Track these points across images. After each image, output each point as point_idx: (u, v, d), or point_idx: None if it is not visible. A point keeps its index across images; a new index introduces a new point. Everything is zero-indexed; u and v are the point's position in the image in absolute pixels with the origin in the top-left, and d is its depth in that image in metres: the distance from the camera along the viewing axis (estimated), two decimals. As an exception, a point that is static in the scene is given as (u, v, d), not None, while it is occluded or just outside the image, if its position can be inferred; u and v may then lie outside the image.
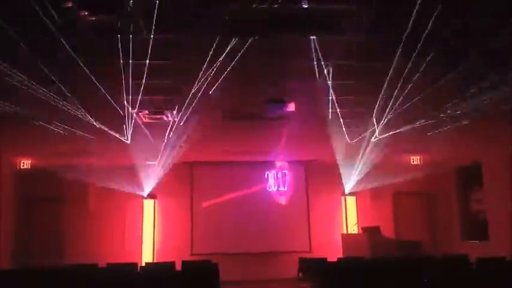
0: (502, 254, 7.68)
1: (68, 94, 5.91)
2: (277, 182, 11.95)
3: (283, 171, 11.99)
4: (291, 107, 6.46)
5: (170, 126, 7.54)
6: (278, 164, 11.93)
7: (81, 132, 7.73)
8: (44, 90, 5.65)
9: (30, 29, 4.16)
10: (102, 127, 7.51)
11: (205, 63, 5.13)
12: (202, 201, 11.71)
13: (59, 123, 7.13)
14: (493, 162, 9.71)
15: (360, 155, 9.75)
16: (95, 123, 7.24)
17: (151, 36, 4.43)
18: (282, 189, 11.91)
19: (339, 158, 10.08)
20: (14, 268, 9.54)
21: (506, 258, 7.21)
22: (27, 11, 3.82)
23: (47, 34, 4.18)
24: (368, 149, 9.29)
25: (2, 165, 9.96)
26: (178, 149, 9.42)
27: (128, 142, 8.29)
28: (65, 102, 6.17)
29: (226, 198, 11.72)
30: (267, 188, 11.85)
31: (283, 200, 11.88)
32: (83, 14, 3.69)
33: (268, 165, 11.88)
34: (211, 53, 4.85)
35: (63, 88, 5.71)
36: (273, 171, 11.95)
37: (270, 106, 6.49)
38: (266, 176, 11.91)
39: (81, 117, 6.83)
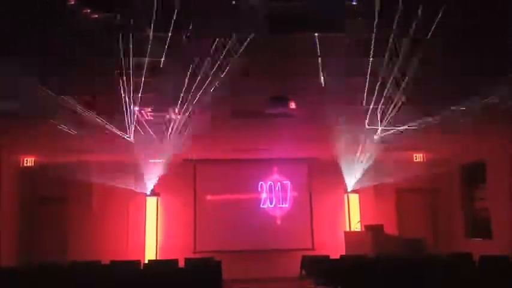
0: (505, 252, 7.67)
1: (71, 92, 5.93)
2: (280, 179, 11.97)
3: (286, 167, 12.00)
4: (294, 104, 6.45)
5: (173, 123, 7.54)
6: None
7: (84, 130, 7.74)
8: (46, 88, 5.66)
9: (32, 26, 4.16)
10: (106, 125, 7.52)
11: (208, 61, 5.13)
12: (205, 199, 11.73)
13: (61, 121, 7.13)
14: (497, 160, 9.68)
15: (363, 152, 9.74)
16: (98, 121, 7.26)
17: (155, 33, 4.43)
18: (285, 182, 11.93)
19: (342, 155, 10.08)
20: (19, 266, 9.58)
21: (509, 256, 7.18)
22: (29, 8, 3.84)
23: (49, 31, 4.19)
24: (371, 146, 9.28)
25: (6, 162, 10.00)
26: (181, 147, 9.43)
27: (131, 140, 8.31)
28: (67, 100, 6.18)
29: (230, 196, 11.74)
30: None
31: (286, 198, 11.90)
32: (85, 11, 3.69)
33: (272, 161, 11.89)
34: (214, 51, 4.85)
35: (65, 86, 5.73)
36: (275, 175, 11.98)
37: (273, 103, 6.48)
38: (271, 172, 11.94)
39: (84, 114, 6.85)
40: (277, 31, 4.34)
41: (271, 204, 11.84)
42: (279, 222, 11.72)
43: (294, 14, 4.16)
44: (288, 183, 11.97)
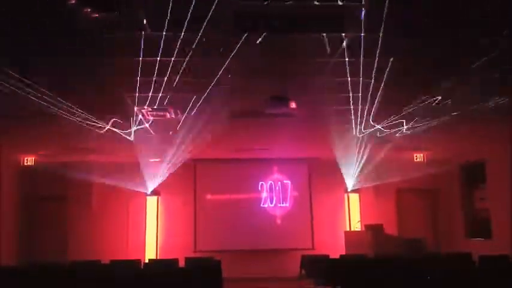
0: (505, 252, 7.67)
1: (72, 91, 5.93)
2: (280, 179, 11.98)
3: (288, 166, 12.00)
4: (294, 104, 6.45)
5: (173, 123, 7.54)
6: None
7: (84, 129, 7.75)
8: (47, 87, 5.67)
9: (32, 26, 4.17)
10: (106, 125, 7.54)
11: (209, 60, 5.13)
12: (205, 199, 11.74)
13: (62, 120, 7.14)
14: (497, 160, 9.69)
15: (363, 152, 9.74)
16: (98, 121, 7.27)
17: (155, 33, 4.43)
18: (286, 181, 11.93)
19: (342, 155, 10.08)
20: (19, 265, 9.59)
21: (509, 256, 7.19)
22: (30, 8, 3.84)
23: (50, 30, 4.20)
24: (371, 146, 9.27)
25: (6, 161, 10.01)
26: (182, 146, 9.44)
27: (132, 139, 8.32)
28: (68, 100, 6.18)
29: (230, 195, 11.75)
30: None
31: (286, 198, 11.91)
32: (86, 10, 3.70)
33: (273, 161, 11.89)
34: (215, 50, 4.85)
35: (66, 84, 5.73)
36: (276, 175, 11.98)
37: (273, 103, 6.48)
38: (271, 172, 11.94)
39: (84, 114, 6.86)
40: (277, 31, 4.34)
41: (271, 203, 11.85)
42: (279, 221, 11.72)
43: (294, 14, 4.16)
44: (288, 182, 11.97)
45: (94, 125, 7.48)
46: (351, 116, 7.31)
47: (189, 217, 11.60)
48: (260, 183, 11.89)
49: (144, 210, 11.47)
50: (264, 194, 11.86)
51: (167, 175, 10.84)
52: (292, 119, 7.43)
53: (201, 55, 4.92)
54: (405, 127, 7.90)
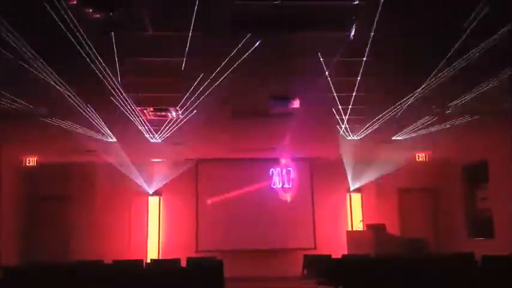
0: (508, 252, 7.65)
1: (74, 90, 5.94)
2: (282, 178, 11.94)
3: (288, 168, 11.97)
4: (296, 103, 6.45)
5: (175, 123, 7.55)
6: (283, 161, 11.91)
7: (87, 129, 7.77)
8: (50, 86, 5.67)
9: (35, 24, 4.18)
10: (108, 124, 7.55)
11: (211, 60, 5.13)
12: (207, 198, 11.73)
13: (64, 120, 7.16)
14: (500, 160, 9.66)
15: (365, 152, 9.74)
16: (101, 120, 7.29)
17: (157, 33, 4.43)
18: (286, 186, 11.90)
19: (344, 155, 10.08)
20: (20, 265, 9.60)
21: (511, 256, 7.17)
22: (32, 8, 3.85)
23: (52, 30, 4.20)
24: (373, 146, 9.27)
25: (7, 162, 10.01)
26: (184, 146, 9.44)
27: (133, 139, 8.33)
28: (70, 99, 6.18)
29: (232, 195, 11.74)
30: (272, 185, 11.85)
31: (288, 197, 11.88)
32: (87, 11, 3.70)
33: (273, 162, 11.88)
34: (216, 50, 4.85)
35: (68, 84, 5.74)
36: (278, 169, 11.94)
37: (275, 102, 6.47)
38: (271, 173, 11.91)
39: (87, 114, 6.87)
40: (278, 31, 4.34)
41: (273, 203, 11.82)
42: (281, 221, 11.70)
43: (295, 14, 4.16)
44: (290, 182, 11.95)
45: (96, 125, 7.50)
46: (355, 115, 7.31)
47: (191, 217, 11.61)
48: (262, 183, 11.87)
49: (146, 210, 11.49)
50: (266, 193, 11.85)
51: (170, 176, 10.89)
52: (294, 118, 7.43)
53: (203, 55, 4.93)
54: (407, 128, 7.90)
